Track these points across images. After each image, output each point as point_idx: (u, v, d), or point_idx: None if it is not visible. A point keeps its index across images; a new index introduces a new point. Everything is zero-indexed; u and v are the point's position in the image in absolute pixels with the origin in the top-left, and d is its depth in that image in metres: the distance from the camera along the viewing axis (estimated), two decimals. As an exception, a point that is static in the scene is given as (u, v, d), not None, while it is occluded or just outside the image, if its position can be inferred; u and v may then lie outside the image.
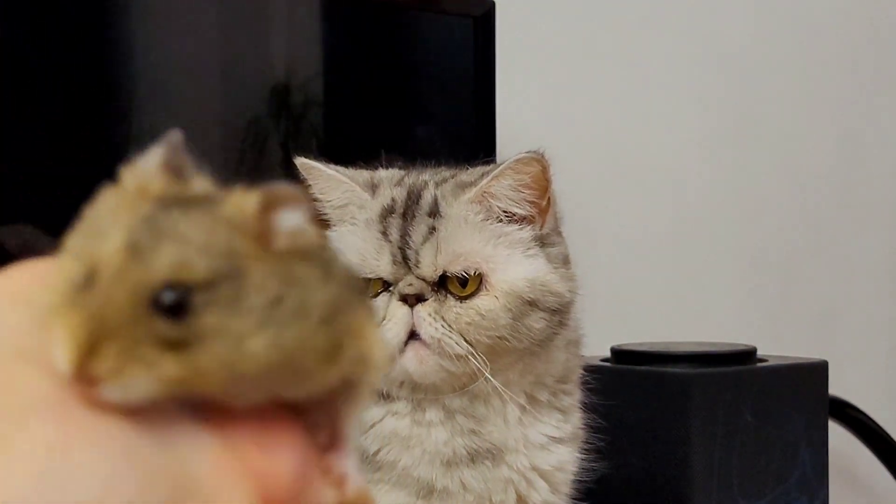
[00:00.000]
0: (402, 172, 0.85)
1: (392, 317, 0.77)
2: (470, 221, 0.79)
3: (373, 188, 0.82)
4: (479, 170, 0.83)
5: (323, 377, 0.30)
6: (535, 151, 0.79)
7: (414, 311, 0.77)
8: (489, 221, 0.79)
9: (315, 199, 0.83)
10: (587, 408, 0.88)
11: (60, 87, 1.02)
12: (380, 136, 1.19)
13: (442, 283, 0.78)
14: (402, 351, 0.77)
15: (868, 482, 1.81)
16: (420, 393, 0.80)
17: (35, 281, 0.29)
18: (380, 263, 0.78)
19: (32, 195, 0.99)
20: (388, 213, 0.80)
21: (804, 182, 1.81)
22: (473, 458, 0.80)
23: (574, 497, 0.87)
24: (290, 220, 0.29)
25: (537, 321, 0.78)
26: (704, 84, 1.70)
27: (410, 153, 0.89)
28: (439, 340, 0.76)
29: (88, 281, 0.27)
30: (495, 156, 1.19)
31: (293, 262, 0.29)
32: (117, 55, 1.05)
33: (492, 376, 0.77)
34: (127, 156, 0.32)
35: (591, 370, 0.89)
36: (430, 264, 0.77)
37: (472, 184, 0.80)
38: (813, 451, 1.23)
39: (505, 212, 0.80)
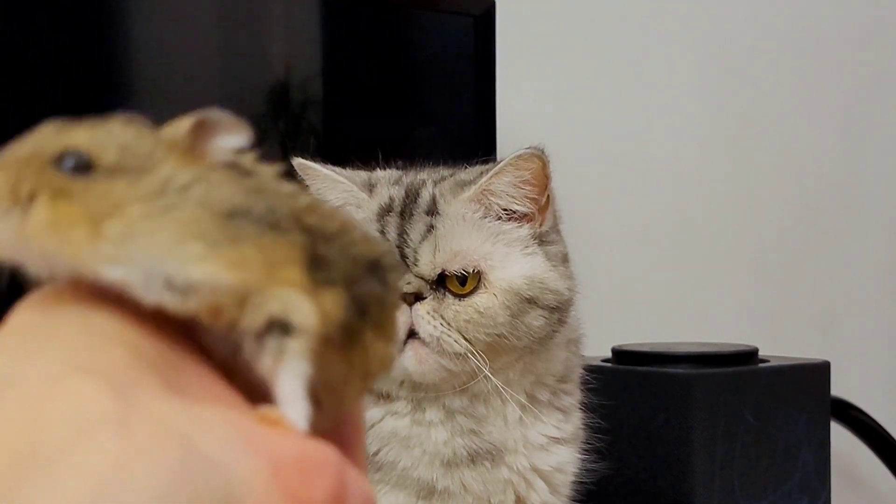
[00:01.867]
0: (400, 172, 0.85)
1: (390, 316, 0.77)
2: (468, 219, 0.78)
3: (370, 188, 0.82)
4: (478, 168, 0.83)
5: (214, 277, 0.29)
6: (534, 147, 0.79)
7: (413, 310, 0.77)
8: (488, 219, 0.79)
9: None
10: (588, 408, 0.87)
11: (60, 86, 1.01)
12: (379, 136, 1.18)
13: (440, 282, 0.77)
14: (401, 350, 0.77)
15: (870, 483, 1.81)
16: (420, 392, 0.79)
17: (79, 293, 0.30)
18: (378, 262, 0.78)
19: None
20: (385, 211, 0.80)
21: (804, 182, 1.81)
22: (473, 458, 0.80)
23: (574, 498, 0.86)
24: (226, 144, 0.32)
25: (536, 319, 0.78)
26: (704, 84, 1.70)
27: (410, 153, 0.89)
28: (438, 339, 0.76)
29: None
30: (495, 155, 1.18)
31: (216, 168, 0.31)
32: (117, 54, 1.05)
33: (492, 375, 0.77)
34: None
35: (591, 370, 0.89)
36: (428, 263, 0.77)
37: (471, 182, 0.80)
38: (815, 451, 1.23)
39: (504, 209, 0.79)
